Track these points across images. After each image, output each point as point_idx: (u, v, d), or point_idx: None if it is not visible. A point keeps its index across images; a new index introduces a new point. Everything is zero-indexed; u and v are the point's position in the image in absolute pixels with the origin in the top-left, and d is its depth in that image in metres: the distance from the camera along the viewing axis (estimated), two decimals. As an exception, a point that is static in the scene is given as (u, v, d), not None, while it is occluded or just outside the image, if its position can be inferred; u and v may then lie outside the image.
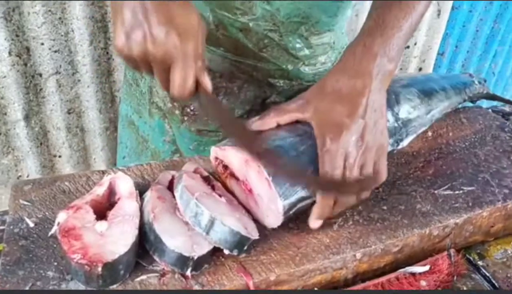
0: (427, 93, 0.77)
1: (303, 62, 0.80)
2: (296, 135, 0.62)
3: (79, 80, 1.31)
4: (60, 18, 1.21)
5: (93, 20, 1.24)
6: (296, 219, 0.62)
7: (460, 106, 0.88)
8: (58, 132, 1.36)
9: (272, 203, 0.58)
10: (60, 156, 1.40)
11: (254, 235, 0.56)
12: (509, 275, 0.67)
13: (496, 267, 0.68)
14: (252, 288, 0.54)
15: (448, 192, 0.70)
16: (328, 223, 0.63)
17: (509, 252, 0.71)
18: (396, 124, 0.71)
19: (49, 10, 1.19)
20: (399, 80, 0.77)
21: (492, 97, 0.99)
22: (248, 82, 0.81)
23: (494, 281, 0.66)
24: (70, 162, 1.42)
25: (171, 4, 0.52)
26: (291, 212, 0.58)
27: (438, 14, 1.77)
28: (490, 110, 0.95)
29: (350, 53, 0.62)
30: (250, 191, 0.61)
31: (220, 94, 0.82)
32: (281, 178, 0.58)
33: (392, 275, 0.61)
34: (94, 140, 1.42)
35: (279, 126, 0.64)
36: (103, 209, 0.58)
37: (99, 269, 0.48)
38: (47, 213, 0.59)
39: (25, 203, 0.59)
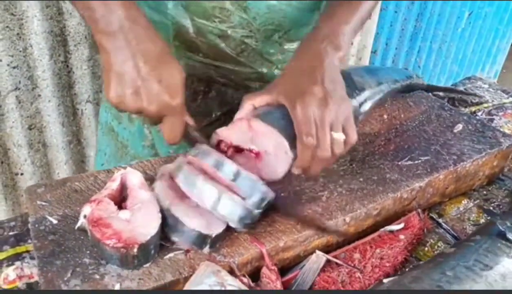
0: (373, 71, 0.91)
1: (276, 66, 0.89)
2: (277, 109, 0.70)
3: (39, 95, 1.31)
4: (18, 33, 1.21)
5: (52, 34, 1.25)
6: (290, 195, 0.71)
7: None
8: (19, 149, 1.35)
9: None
10: (22, 174, 1.39)
11: (256, 210, 0.62)
12: (464, 227, 0.81)
13: (453, 222, 0.82)
14: (265, 255, 0.62)
15: (409, 162, 0.82)
16: (317, 196, 0.72)
17: (461, 209, 0.85)
18: (354, 93, 0.80)
19: (7, 26, 1.19)
20: (348, 67, 0.89)
21: (427, 88, 1.15)
22: (226, 86, 0.88)
23: (454, 233, 0.79)
24: (33, 178, 1.40)
25: (160, 67, 0.61)
26: (295, 151, 0.66)
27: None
28: (430, 94, 1.10)
29: (302, 44, 0.73)
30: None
31: (199, 98, 0.88)
32: (281, 125, 0.67)
33: (375, 234, 0.71)
34: (57, 155, 1.41)
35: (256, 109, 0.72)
36: (117, 201, 0.62)
37: (135, 250, 0.54)
38: (66, 210, 0.63)
39: (43, 203, 0.63)
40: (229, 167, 0.62)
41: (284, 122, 0.67)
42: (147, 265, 0.57)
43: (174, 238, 0.59)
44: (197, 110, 0.89)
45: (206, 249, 0.59)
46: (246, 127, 0.70)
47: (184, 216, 0.59)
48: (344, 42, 0.71)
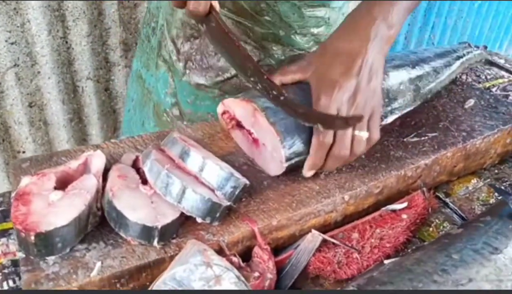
0: (417, 76, 0.81)
1: (295, 30, 0.84)
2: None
3: (39, 72, 1.29)
4: (15, 8, 1.18)
5: (49, 9, 1.22)
6: (286, 173, 0.67)
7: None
8: (21, 127, 1.33)
9: (276, 151, 0.63)
10: (24, 152, 1.37)
11: (225, 202, 0.57)
12: (472, 207, 0.76)
13: (461, 201, 0.77)
14: (257, 233, 0.58)
15: (415, 139, 0.78)
16: (315, 173, 0.68)
17: (470, 188, 0.81)
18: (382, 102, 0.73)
19: (3, 1, 1.16)
20: (390, 60, 0.80)
21: (490, 63, 1.09)
22: (245, 43, 0.85)
23: (461, 213, 0.75)
24: (35, 156, 1.39)
25: None
26: (292, 161, 0.63)
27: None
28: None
29: (350, 17, 0.66)
30: (255, 140, 0.66)
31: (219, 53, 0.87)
32: (286, 129, 0.63)
33: (376, 213, 0.68)
34: (58, 132, 1.40)
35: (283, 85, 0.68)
36: (70, 181, 0.57)
37: (32, 237, 0.49)
38: (50, 186, 0.60)
39: (26, 179, 0.60)
40: (195, 158, 0.58)
41: (291, 121, 0.63)
42: (52, 257, 0.51)
43: (122, 233, 0.54)
44: (216, 64, 0.88)
45: (155, 243, 0.53)
46: (251, 112, 0.67)
47: (126, 207, 0.53)
48: (397, 21, 0.64)
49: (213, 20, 0.60)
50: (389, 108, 0.76)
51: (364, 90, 0.62)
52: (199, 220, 0.56)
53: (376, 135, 0.65)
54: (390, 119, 0.77)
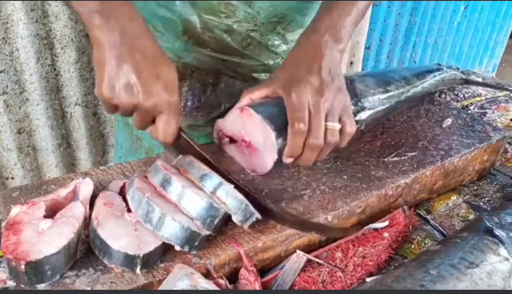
0: (383, 80, 0.88)
1: (281, 57, 0.90)
2: (271, 101, 0.71)
3: (27, 99, 1.30)
4: (3, 37, 1.20)
5: (38, 37, 1.24)
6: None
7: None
8: (9, 153, 1.34)
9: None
10: (12, 178, 1.38)
11: (204, 231, 0.58)
12: (453, 223, 0.79)
13: (442, 218, 0.80)
14: (243, 255, 0.60)
15: (396, 158, 0.81)
16: (299, 195, 0.71)
17: (450, 205, 0.83)
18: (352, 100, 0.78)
19: None
20: (356, 74, 0.87)
21: (467, 81, 1.14)
22: (234, 78, 0.90)
23: (441, 229, 0.77)
24: (24, 182, 1.39)
25: (157, 64, 0.61)
26: (284, 142, 0.66)
27: (362, 12, 1.94)
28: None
29: (303, 36, 0.72)
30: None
31: (209, 90, 0.90)
32: (269, 116, 0.67)
33: (359, 233, 0.70)
34: (47, 158, 1.41)
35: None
36: (59, 210, 0.58)
37: (22, 266, 0.50)
38: (40, 215, 0.61)
39: (17, 208, 0.62)
40: (174, 186, 0.59)
41: (275, 112, 0.68)
42: (42, 285, 0.52)
43: (106, 261, 0.55)
44: (206, 102, 0.90)
45: (138, 271, 0.54)
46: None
47: (110, 236, 0.54)
48: (345, 34, 0.71)
49: (183, 140, 0.64)
50: (359, 105, 0.81)
51: (329, 86, 0.66)
52: (177, 248, 0.56)
53: (352, 127, 0.68)
54: (363, 115, 0.81)
